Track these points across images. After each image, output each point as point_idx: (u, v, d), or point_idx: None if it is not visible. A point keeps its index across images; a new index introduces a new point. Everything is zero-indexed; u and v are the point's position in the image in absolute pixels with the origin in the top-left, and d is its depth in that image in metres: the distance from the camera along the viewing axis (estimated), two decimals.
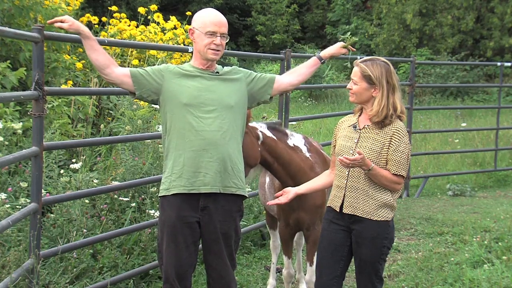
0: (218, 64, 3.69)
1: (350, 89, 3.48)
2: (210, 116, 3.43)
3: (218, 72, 3.55)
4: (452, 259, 5.61)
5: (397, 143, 3.37)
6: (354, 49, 3.83)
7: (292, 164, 4.17)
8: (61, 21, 3.34)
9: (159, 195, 3.54)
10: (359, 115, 3.54)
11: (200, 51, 3.49)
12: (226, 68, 3.64)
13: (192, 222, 3.44)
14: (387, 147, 3.37)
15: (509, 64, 10.24)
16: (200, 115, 3.42)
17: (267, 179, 4.63)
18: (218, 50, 3.47)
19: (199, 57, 3.53)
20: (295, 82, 3.77)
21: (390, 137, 3.38)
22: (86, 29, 3.38)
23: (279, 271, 5.21)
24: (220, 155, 3.42)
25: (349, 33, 3.84)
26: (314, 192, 4.00)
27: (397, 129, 3.39)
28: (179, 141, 3.43)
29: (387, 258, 3.59)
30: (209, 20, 3.46)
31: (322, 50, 3.81)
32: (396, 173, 3.36)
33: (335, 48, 3.79)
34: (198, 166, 3.40)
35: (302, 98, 18.76)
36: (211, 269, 3.55)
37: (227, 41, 3.52)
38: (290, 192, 3.65)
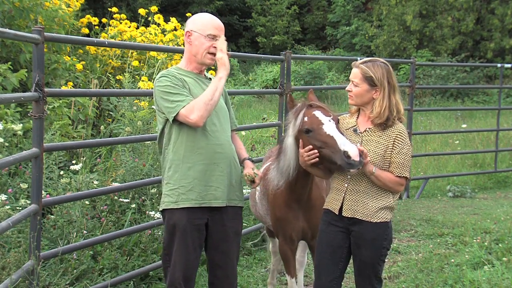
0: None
1: (349, 91, 3.45)
2: (217, 129, 3.41)
3: (210, 78, 3.53)
4: (452, 260, 5.60)
5: (400, 145, 3.35)
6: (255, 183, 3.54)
7: None
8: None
9: (165, 207, 3.44)
10: (357, 117, 3.50)
11: (197, 54, 3.43)
12: (208, 75, 3.62)
13: (201, 224, 3.42)
14: (391, 149, 3.35)
15: (509, 65, 10.23)
16: (207, 127, 3.37)
17: (257, 189, 4.40)
18: (215, 54, 3.43)
19: (194, 61, 3.48)
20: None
21: (393, 140, 3.35)
22: None
23: (279, 272, 5.20)
24: (228, 169, 3.43)
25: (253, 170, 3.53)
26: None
27: (400, 131, 3.37)
28: (187, 154, 3.36)
29: (386, 259, 3.59)
30: (210, 23, 3.43)
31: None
32: (399, 175, 3.35)
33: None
34: (209, 180, 3.38)
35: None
36: (217, 268, 3.51)
37: None
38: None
